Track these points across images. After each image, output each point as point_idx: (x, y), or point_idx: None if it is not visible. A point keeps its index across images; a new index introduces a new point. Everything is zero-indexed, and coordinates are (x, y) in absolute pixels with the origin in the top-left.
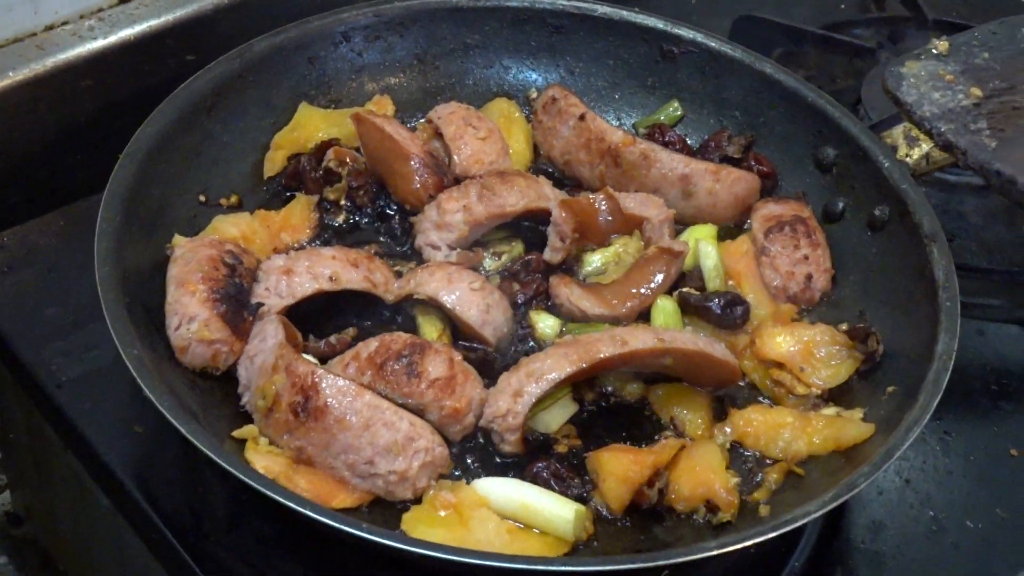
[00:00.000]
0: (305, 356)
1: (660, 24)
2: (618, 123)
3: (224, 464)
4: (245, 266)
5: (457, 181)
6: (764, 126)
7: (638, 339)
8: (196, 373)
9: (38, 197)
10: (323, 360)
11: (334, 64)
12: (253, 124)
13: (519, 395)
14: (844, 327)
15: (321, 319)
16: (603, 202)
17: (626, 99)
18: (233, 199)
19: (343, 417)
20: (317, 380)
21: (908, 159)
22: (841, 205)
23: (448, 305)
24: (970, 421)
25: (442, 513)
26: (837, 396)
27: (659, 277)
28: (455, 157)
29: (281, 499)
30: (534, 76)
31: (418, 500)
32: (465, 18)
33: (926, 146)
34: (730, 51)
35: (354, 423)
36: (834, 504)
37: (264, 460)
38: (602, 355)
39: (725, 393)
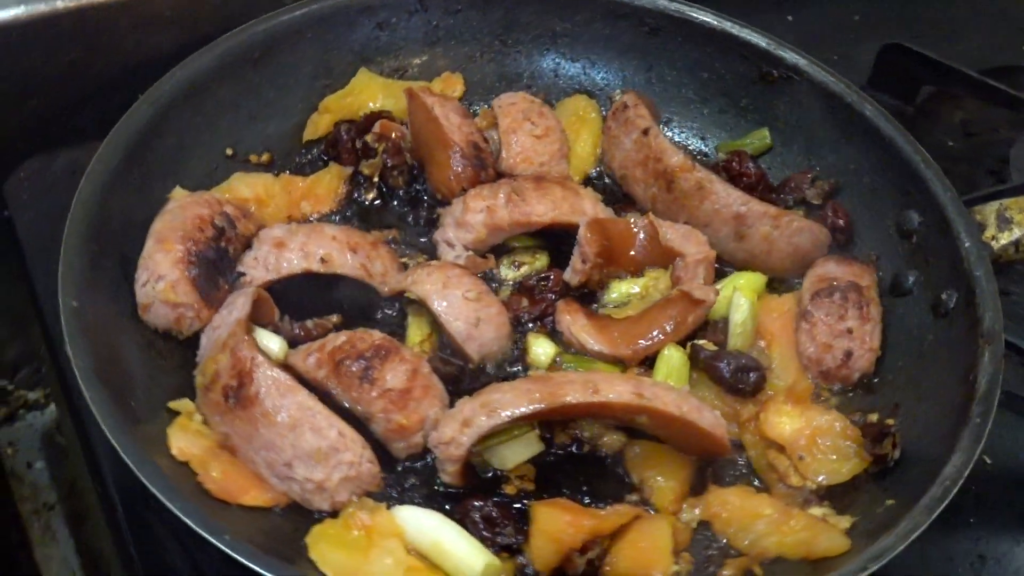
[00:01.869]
0: (273, 337)
1: (763, 42)
2: (701, 142)
3: (117, 445)
4: (238, 231)
5: (501, 177)
6: (853, 174)
7: (613, 390)
8: (158, 333)
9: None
10: (293, 344)
11: (405, 32)
12: (304, 83)
13: (467, 425)
14: (872, 418)
15: (316, 300)
16: (642, 229)
17: (714, 118)
18: (265, 157)
19: (271, 412)
20: (254, 368)
21: (993, 242)
22: (912, 279)
23: (436, 311)
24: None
25: (355, 533)
26: (835, 496)
27: (671, 324)
28: (504, 152)
29: (161, 496)
30: (621, 77)
31: (336, 514)
32: (555, 2)
33: (1019, 231)
34: (832, 84)
35: (280, 421)
36: None
37: (183, 440)
38: (568, 400)
39: (713, 466)
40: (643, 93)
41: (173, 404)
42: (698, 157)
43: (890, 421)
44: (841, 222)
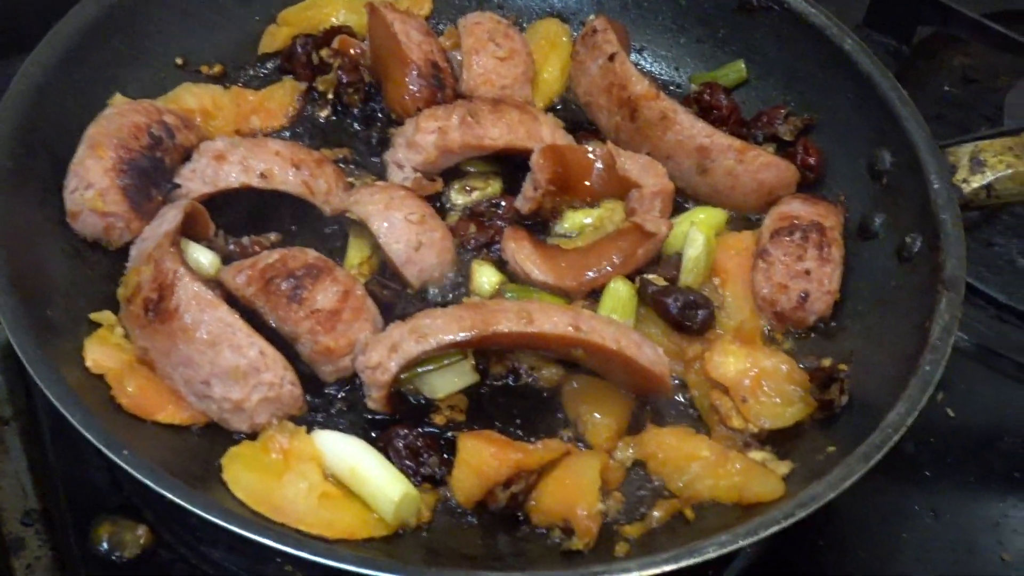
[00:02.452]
0: (205, 252)
1: None
2: (674, 72)
3: (19, 351)
4: (177, 142)
5: (460, 99)
6: (829, 111)
7: (549, 321)
8: (87, 242)
9: None
10: (227, 261)
11: None
12: None
13: (395, 350)
14: (825, 363)
15: (257, 218)
16: (600, 158)
17: (690, 47)
18: (216, 69)
19: (190, 327)
20: (175, 281)
21: (964, 185)
22: (879, 222)
23: (376, 232)
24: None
25: (272, 456)
26: (777, 440)
27: (621, 256)
28: (464, 73)
29: (59, 406)
30: (596, 1)
31: (255, 436)
32: None
33: (991, 174)
34: (813, 15)
35: (199, 337)
36: (666, 568)
37: (100, 353)
38: (500, 328)
39: (653, 404)
40: (615, 19)
41: (95, 316)
42: (670, 88)
43: (842, 367)
44: (812, 160)
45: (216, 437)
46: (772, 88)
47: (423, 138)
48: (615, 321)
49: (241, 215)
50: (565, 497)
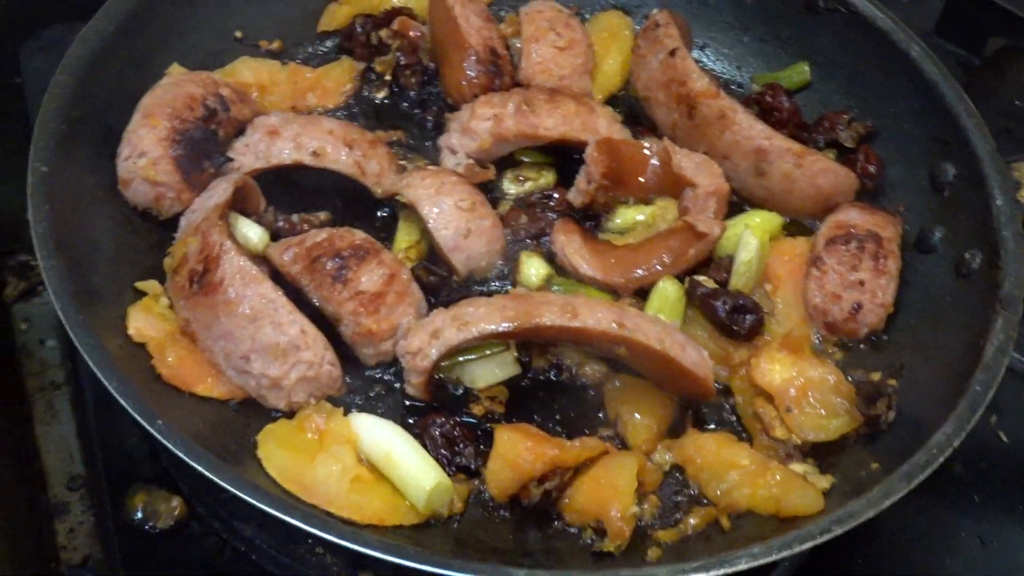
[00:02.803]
0: (254, 227)
1: None
2: (736, 71)
3: (61, 315)
4: (232, 115)
5: (517, 87)
6: (892, 119)
7: (593, 316)
8: (137, 211)
9: None
10: (276, 237)
11: None
12: None
13: (436, 336)
14: (874, 377)
15: (308, 195)
16: (655, 154)
17: (754, 47)
18: (276, 44)
19: (233, 301)
20: (221, 254)
21: (1022, 202)
22: (939, 236)
23: (425, 216)
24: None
25: (308, 436)
26: (820, 453)
27: (671, 255)
28: (523, 61)
29: (96, 371)
30: None
31: (292, 414)
32: None
33: None
34: (880, 20)
35: (241, 311)
36: None
37: (142, 322)
38: (543, 321)
39: (695, 408)
40: (678, 14)
41: (140, 284)
42: (732, 87)
43: (892, 382)
44: (872, 168)
45: (253, 413)
46: (834, 92)
47: (478, 124)
48: (660, 320)
49: (292, 192)
50: (599, 497)
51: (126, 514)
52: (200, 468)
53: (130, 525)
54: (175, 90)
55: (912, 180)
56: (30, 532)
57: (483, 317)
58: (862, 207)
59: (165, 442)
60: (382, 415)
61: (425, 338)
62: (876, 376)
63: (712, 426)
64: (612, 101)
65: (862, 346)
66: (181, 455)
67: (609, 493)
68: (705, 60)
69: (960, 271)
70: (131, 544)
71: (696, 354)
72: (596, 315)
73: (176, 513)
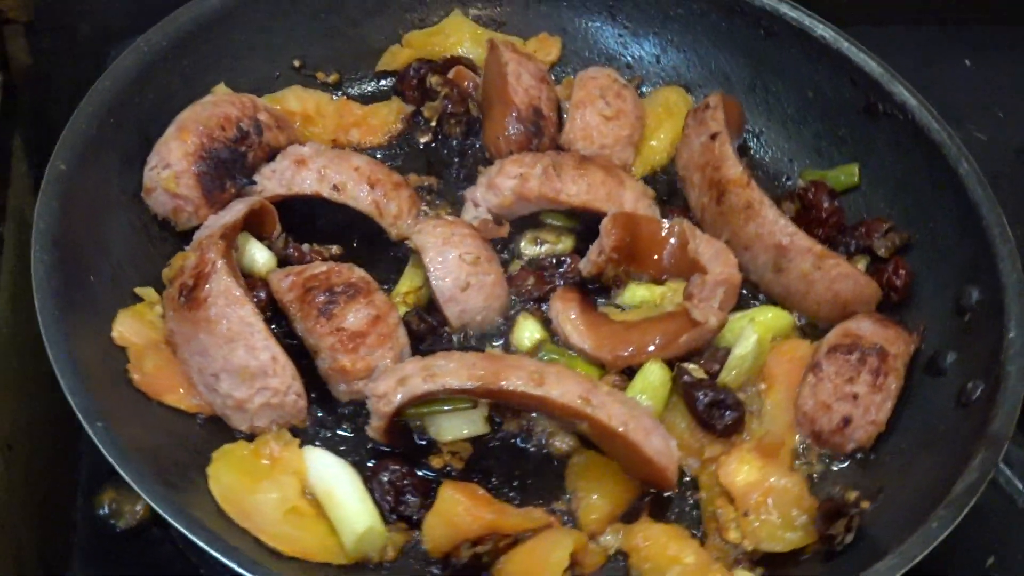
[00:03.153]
0: (263, 251)
1: (877, 71)
2: (788, 163)
3: (37, 306)
4: (264, 140)
5: (558, 150)
6: (929, 233)
7: (560, 387)
8: (156, 220)
9: None
10: (283, 262)
11: None
12: (394, 12)
13: (403, 383)
14: (850, 496)
15: (329, 228)
16: (674, 234)
17: (808, 141)
18: (332, 77)
19: (213, 319)
20: (212, 271)
21: None
22: (950, 359)
23: (427, 264)
24: None
25: (263, 462)
26: (771, 563)
27: (662, 339)
28: (567, 124)
29: (54, 364)
30: (724, 77)
31: (252, 438)
32: None
33: None
34: (935, 131)
35: (219, 330)
36: None
37: (129, 326)
38: (508, 386)
39: (657, 497)
40: (735, 99)
41: (139, 290)
42: (780, 179)
43: (865, 504)
44: (899, 281)
45: (217, 431)
46: (880, 198)
47: (503, 181)
48: (631, 403)
49: (315, 223)
50: (529, 569)
51: (93, 508)
52: (123, 474)
53: (94, 519)
54: (212, 109)
55: (939, 299)
56: None
57: (451, 372)
58: (878, 319)
59: (98, 444)
60: (343, 453)
61: (392, 383)
62: (852, 495)
63: (671, 518)
64: (654, 176)
65: (847, 462)
66: (111, 459)
67: (539, 567)
68: (758, 148)
69: (960, 400)
70: (88, 538)
71: (661, 442)
72: (563, 387)
73: (139, 516)
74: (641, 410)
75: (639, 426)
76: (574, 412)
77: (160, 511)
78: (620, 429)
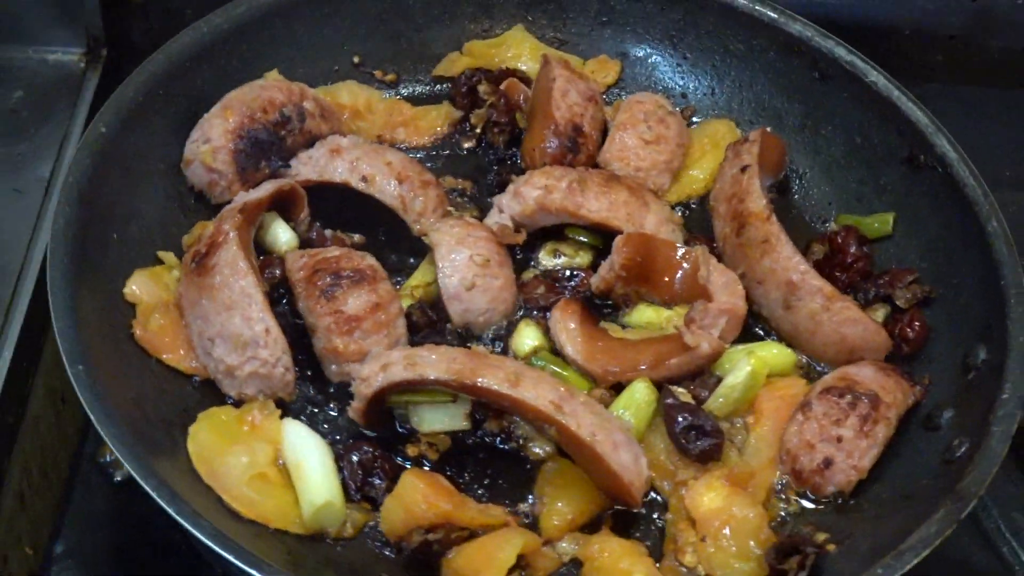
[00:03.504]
0: (287, 231)
1: (924, 121)
2: (827, 206)
3: (48, 252)
4: (306, 127)
5: (595, 167)
6: (952, 289)
7: (534, 391)
8: (193, 191)
9: None
10: (305, 245)
11: (580, 6)
12: (460, 21)
13: (385, 369)
14: (819, 538)
15: (361, 218)
16: (687, 259)
17: (851, 187)
18: (390, 76)
19: (217, 287)
20: (224, 241)
21: None
22: (947, 416)
23: (438, 260)
24: None
25: (244, 428)
26: None
27: (653, 360)
28: (607, 144)
29: (52, 306)
30: (776, 115)
31: (240, 404)
32: (736, 19)
33: None
34: (969, 187)
35: (220, 298)
36: None
37: (143, 284)
38: (483, 383)
39: (624, 512)
40: (778, 137)
41: (162, 253)
42: (815, 221)
43: (831, 547)
44: (912, 334)
45: (210, 395)
46: (912, 250)
47: (528, 191)
48: (607, 416)
49: (347, 211)
50: (475, 563)
51: (98, 456)
52: (89, 412)
53: (96, 465)
54: (259, 91)
55: (950, 356)
56: None
57: (431, 363)
58: (880, 367)
59: (74, 385)
60: (325, 431)
61: (375, 368)
62: (821, 537)
63: (637, 535)
64: (688, 205)
65: (826, 504)
66: (82, 400)
67: (484, 562)
68: (800, 188)
69: (945, 457)
70: (86, 483)
71: (629, 458)
72: (537, 390)
73: None
74: (615, 424)
75: (608, 439)
76: (544, 416)
77: (116, 452)
78: (587, 439)
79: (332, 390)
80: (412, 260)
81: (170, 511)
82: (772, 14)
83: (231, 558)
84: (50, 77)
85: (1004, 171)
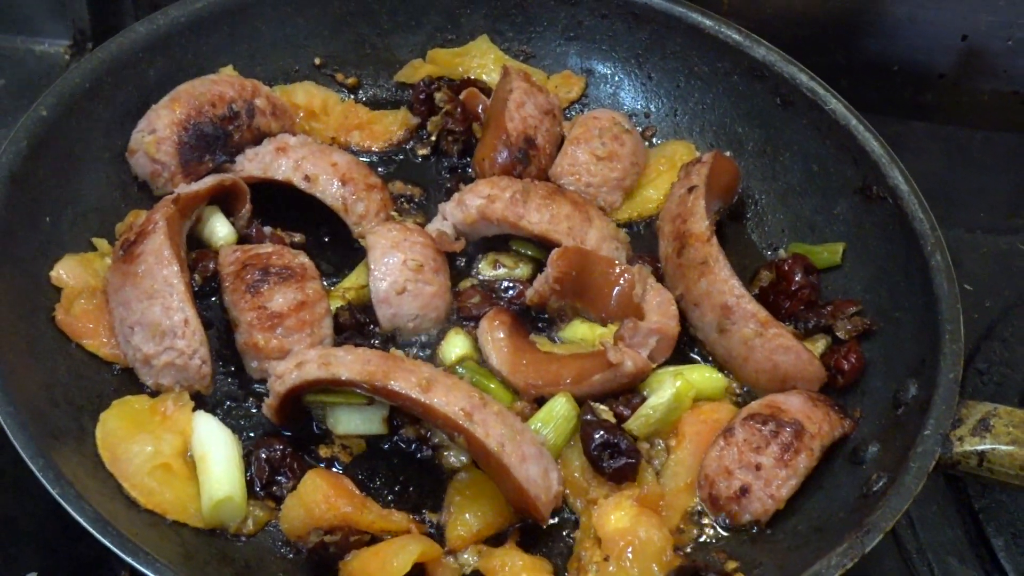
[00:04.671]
0: (227, 226)
1: (878, 151)
2: (780, 234)
3: None
4: (255, 124)
5: (545, 179)
6: (893, 324)
7: (444, 397)
8: (137, 180)
9: None
10: (244, 241)
11: (547, 21)
12: (426, 29)
13: (300, 367)
14: (730, 566)
15: (307, 219)
16: (625, 276)
17: (805, 215)
18: (351, 80)
19: (140, 275)
20: (152, 230)
21: (957, 443)
22: (872, 451)
23: (371, 264)
24: None
25: (156, 418)
26: None
27: (576, 375)
28: (559, 157)
29: None
30: (736, 138)
31: (156, 395)
32: (702, 42)
33: (991, 442)
34: (917, 220)
35: (143, 286)
36: None
37: (70, 269)
38: (395, 387)
39: (531, 526)
40: (733, 161)
41: (96, 240)
42: (768, 248)
43: (738, 575)
44: (847, 366)
45: (128, 384)
46: (858, 282)
47: (471, 199)
48: (520, 429)
49: (293, 210)
50: (369, 567)
51: None
52: None
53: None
54: (210, 85)
55: (884, 390)
56: None
57: (345, 364)
58: (810, 397)
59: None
60: (240, 427)
61: (291, 365)
62: (731, 565)
63: (544, 552)
64: (637, 223)
65: (742, 533)
66: None
67: (379, 568)
68: (755, 214)
69: (863, 491)
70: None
71: (537, 471)
72: (448, 397)
73: None
74: (527, 437)
75: (516, 451)
76: (453, 424)
77: (4, 426)
78: (494, 449)
79: (252, 387)
80: (352, 263)
81: (53, 492)
82: (737, 37)
83: (108, 543)
84: (35, 68)
85: (979, 213)
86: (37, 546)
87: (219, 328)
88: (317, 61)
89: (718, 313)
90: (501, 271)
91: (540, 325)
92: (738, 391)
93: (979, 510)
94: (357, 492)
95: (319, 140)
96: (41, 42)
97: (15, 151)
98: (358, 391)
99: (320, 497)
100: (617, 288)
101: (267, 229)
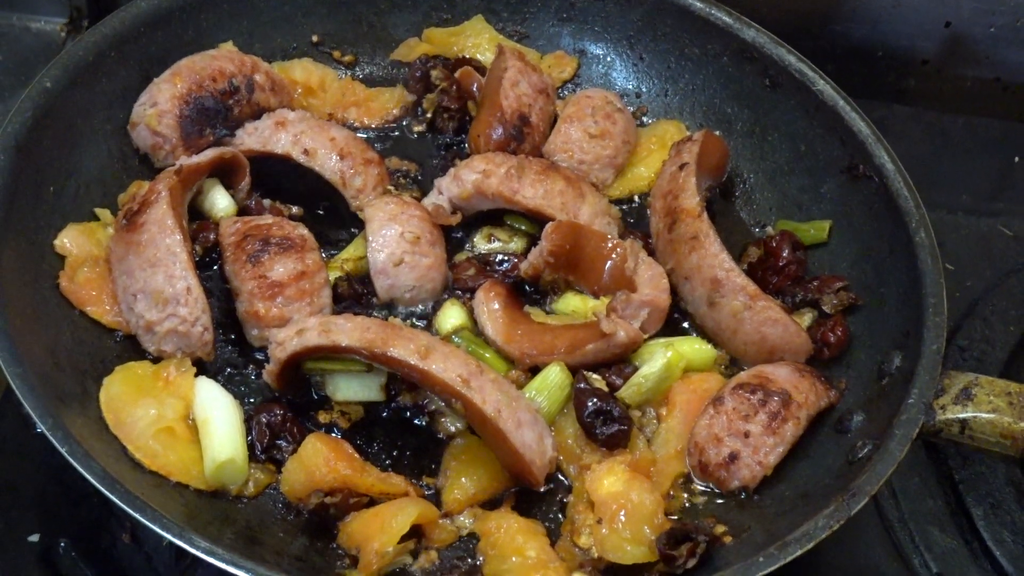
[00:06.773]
0: (226, 198)
1: (865, 131)
2: (769, 212)
3: None
4: (254, 99)
5: (539, 156)
6: (878, 298)
7: (443, 363)
8: (138, 153)
9: None
10: (243, 213)
11: (541, 2)
12: (422, 8)
13: (300, 334)
14: (719, 530)
15: (305, 192)
16: (617, 250)
17: (792, 194)
18: (348, 58)
19: (143, 244)
20: (155, 200)
21: (940, 412)
22: (857, 420)
23: (369, 236)
24: None
25: (159, 383)
26: (614, 574)
27: (569, 345)
28: (551, 136)
29: None
30: (726, 120)
31: (158, 361)
32: (692, 23)
33: (972, 411)
34: (902, 198)
35: (146, 254)
36: None
37: (74, 238)
38: (394, 353)
39: (526, 491)
40: (722, 140)
41: (98, 210)
42: (756, 225)
43: (728, 539)
44: (832, 338)
45: (131, 350)
46: (844, 259)
47: (467, 174)
48: (515, 395)
49: (291, 185)
50: (369, 528)
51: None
52: None
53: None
54: (210, 60)
55: (868, 362)
56: None
57: (344, 331)
58: (796, 367)
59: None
60: (241, 393)
61: (291, 332)
62: (720, 529)
63: (537, 515)
64: (629, 201)
65: (730, 498)
66: None
67: (378, 528)
68: (743, 192)
69: (850, 458)
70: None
71: (532, 437)
72: (446, 364)
73: None
74: (522, 403)
75: (512, 416)
76: (451, 390)
77: (15, 389)
78: (491, 415)
79: (253, 355)
80: (349, 235)
81: (63, 451)
82: (727, 19)
83: (116, 500)
84: (31, 44)
85: (961, 196)
86: (39, 510)
87: (219, 297)
88: (314, 39)
89: (708, 286)
90: (496, 244)
91: (534, 297)
92: (727, 362)
93: (959, 481)
94: (356, 456)
95: (315, 115)
96: (37, 19)
97: (20, 121)
98: (357, 358)
99: (320, 460)
100: (610, 262)
101: (266, 202)
